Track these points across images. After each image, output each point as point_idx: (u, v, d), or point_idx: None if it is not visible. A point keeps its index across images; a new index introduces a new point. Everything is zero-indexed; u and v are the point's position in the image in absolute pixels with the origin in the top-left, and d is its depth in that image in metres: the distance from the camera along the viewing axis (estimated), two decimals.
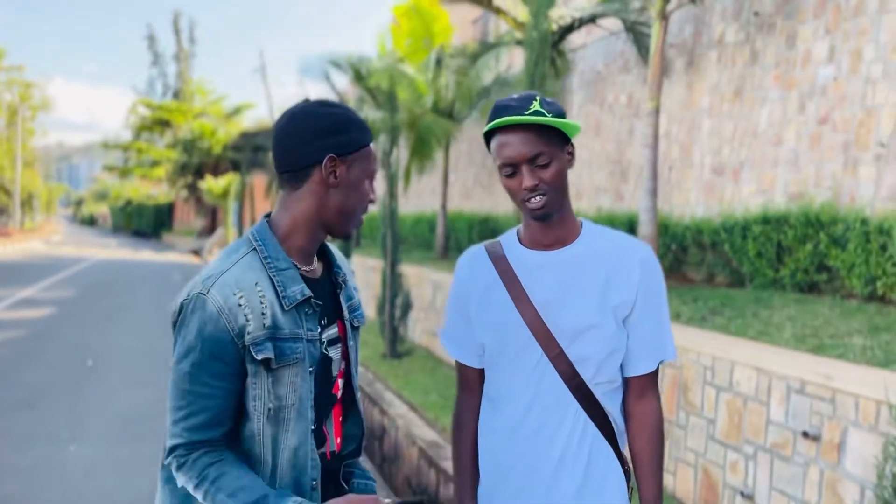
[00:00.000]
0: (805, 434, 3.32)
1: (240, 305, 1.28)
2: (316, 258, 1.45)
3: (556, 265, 1.50)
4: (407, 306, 8.59)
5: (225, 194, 30.48)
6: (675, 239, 7.38)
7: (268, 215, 1.42)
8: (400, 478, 5.89)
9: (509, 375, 1.52)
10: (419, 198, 17.17)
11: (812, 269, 5.76)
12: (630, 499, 1.55)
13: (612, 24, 9.54)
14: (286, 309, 1.32)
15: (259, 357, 1.28)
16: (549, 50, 9.56)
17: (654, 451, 1.52)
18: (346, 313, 1.47)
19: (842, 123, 6.25)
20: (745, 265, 6.42)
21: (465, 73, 10.58)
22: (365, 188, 1.38)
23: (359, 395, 1.52)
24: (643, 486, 1.52)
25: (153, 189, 56.97)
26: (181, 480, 1.30)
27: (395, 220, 8.55)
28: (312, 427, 1.36)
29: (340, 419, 1.49)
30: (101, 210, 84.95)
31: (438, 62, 11.58)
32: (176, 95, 46.82)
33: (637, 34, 8.50)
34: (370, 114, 13.85)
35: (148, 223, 51.87)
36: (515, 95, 1.49)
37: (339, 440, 1.47)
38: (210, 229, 37.51)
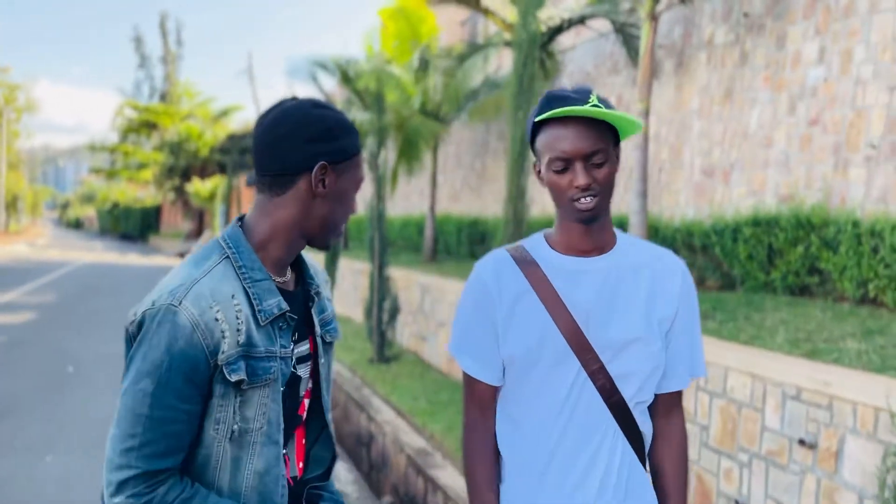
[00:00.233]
0: (801, 442, 3.24)
1: (216, 320, 1.16)
2: (289, 269, 1.34)
3: (596, 273, 1.38)
4: (395, 310, 8.47)
5: (212, 197, 30.26)
6: (664, 241, 7.32)
7: (240, 219, 1.30)
8: (387, 486, 5.77)
9: (540, 393, 1.37)
10: (407, 200, 17.05)
11: (803, 272, 5.70)
12: None
13: (602, 25, 9.48)
14: (261, 324, 1.21)
15: (233, 378, 1.16)
16: (538, 51, 9.50)
17: (683, 474, 1.43)
18: (318, 328, 1.36)
19: (832, 125, 6.21)
20: (735, 268, 6.36)
21: (452, 75, 10.49)
22: (351, 199, 1.30)
23: (330, 416, 1.41)
24: None
25: (140, 192, 56.51)
26: None
27: (382, 222, 8.44)
28: (284, 451, 1.25)
29: (304, 442, 1.37)
30: (88, 213, 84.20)
31: (425, 63, 11.48)
32: (163, 97, 46.49)
33: (626, 35, 8.44)
34: (358, 115, 13.75)
35: (135, 226, 51.43)
36: (570, 87, 1.38)
37: (300, 464, 1.36)
38: (197, 232, 37.20)
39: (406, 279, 9.62)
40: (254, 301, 1.21)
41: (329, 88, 19.09)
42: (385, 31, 12.47)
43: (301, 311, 1.32)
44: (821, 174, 6.28)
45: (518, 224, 5.10)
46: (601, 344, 1.34)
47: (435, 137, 11.78)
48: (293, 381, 1.29)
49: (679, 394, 1.46)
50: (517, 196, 4.99)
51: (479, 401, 1.44)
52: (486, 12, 9.99)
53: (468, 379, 1.44)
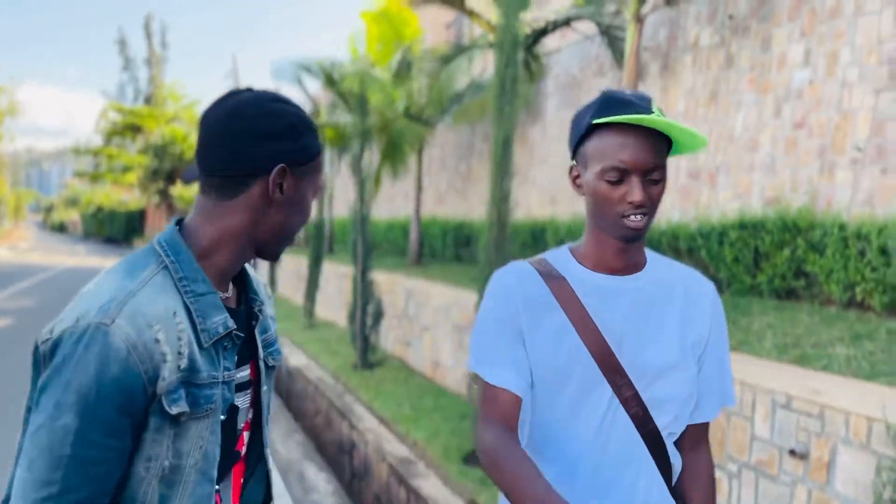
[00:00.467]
0: (792, 452, 3.15)
1: (156, 341, 0.99)
2: (230, 283, 1.17)
3: (629, 293, 1.26)
4: (379, 315, 8.35)
5: None
6: (650, 245, 7.25)
7: (178, 221, 1.14)
8: (369, 495, 5.64)
9: (569, 423, 1.23)
10: (393, 203, 16.93)
11: (790, 275, 5.65)
12: None
13: (587, 27, 9.43)
14: (204, 345, 1.05)
15: (173, 411, 1.00)
16: (522, 52, 9.43)
17: None
18: (260, 351, 1.20)
19: (818, 127, 6.17)
20: (722, 271, 6.30)
21: (436, 77, 10.39)
22: (308, 205, 1.15)
23: (268, 449, 1.26)
24: None
25: (124, 195, 55.97)
26: None
27: (366, 225, 8.32)
28: (217, 488, 1.10)
29: (241, 480, 1.20)
30: (72, 216, 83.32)
31: (407, 65, 11.39)
32: (147, 100, 46.06)
33: (612, 38, 8.38)
34: (342, 118, 13.63)
35: (119, 230, 50.90)
36: (628, 91, 1.24)
37: None
38: None
39: (390, 283, 9.50)
40: (196, 318, 1.04)
41: (315, 91, 18.95)
42: (370, 33, 12.36)
43: (244, 330, 1.15)
44: (807, 177, 6.24)
45: (502, 227, 5.00)
46: (635, 369, 1.23)
47: (420, 140, 11.67)
48: (232, 412, 1.13)
49: (707, 426, 1.35)
50: (500, 199, 4.89)
51: (503, 415, 1.19)
52: (471, 14, 9.91)
53: (489, 392, 1.22)
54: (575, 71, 10.16)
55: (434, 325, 7.97)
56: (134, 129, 43.45)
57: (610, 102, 1.22)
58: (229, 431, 1.12)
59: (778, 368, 3.64)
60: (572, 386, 1.22)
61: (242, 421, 1.16)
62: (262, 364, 1.20)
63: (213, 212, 1.10)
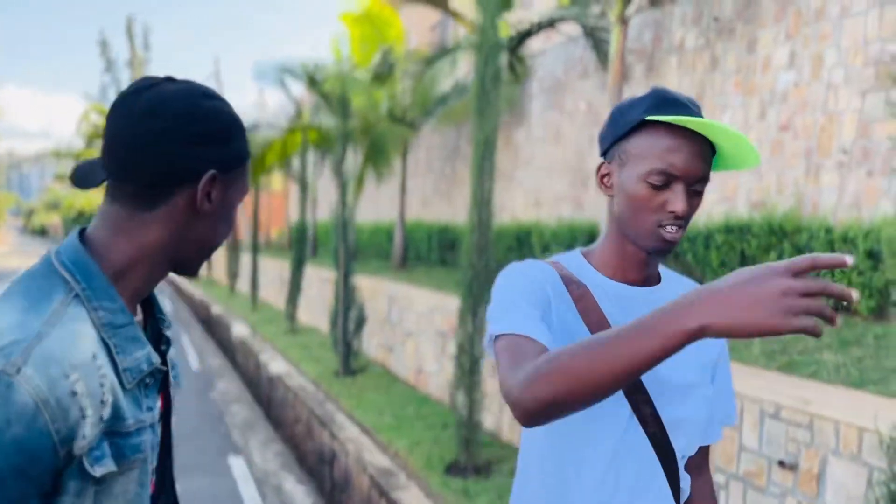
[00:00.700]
0: (781, 463, 3.06)
1: (74, 394, 0.81)
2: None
3: (651, 305, 1.14)
4: (361, 320, 8.21)
5: None
6: None
7: (80, 232, 0.95)
8: None
9: (585, 443, 1.13)
10: (377, 206, 16.79)
11: None
12: None
13: (572, 29, 9.36)
14: (128, 387, 0.89)
15: (97, 472, 0.84)
16: (505, 54, 9.34)
17: None
18: (171, 379, 1.04)
19: (803, 130, 6.12)
20: (708, 275, 6.23)
21: (420, 79, 10.28)
22: (235, 214, 1.01)
23: (178, 487, 1.10)
24: None
25: None
26: None
27: (348, 229, 8.18)
28: None
29: None
30: (53, 221, 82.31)
31: (389, 67, 11.28)
32: None
33: (596, 40, 8.32)
34: (325, 120, 13.49)
35: None
36: (676, 92, 1.12)
37: None
38: None
39: (373, 288, 9.36)
40: (117, 356, 0.88)
41: (298, 94, 18.79)
42: (352, 35, 12.24)
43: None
44: (792, 180, 6.18)
45: (484, 231, 4.88)
46: (655, 386, 1.12)
47: (404, 142, 11.56)
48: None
49: (709, 448, 1.28)
50: (482, 202, 4.77)
51: (520, 357, 0.99)
52: (455, 15, 9.81)
53: (511, 343, 1.01)
54: (559, 73, 10.09)
55: (417, 330, 7.84)
56: None
57: (664, 101, 1.10)
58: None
59: (766, 376, 3.55)
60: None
61: (154, 461, 1.00)
62: (171, 393, 1.04)
63: (127, 224, 0.92)
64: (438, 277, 9.40)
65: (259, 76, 14.36)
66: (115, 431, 0.86)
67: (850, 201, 5.66)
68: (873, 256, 4.73)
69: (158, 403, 0.99)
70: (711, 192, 7.06)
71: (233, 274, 18.93)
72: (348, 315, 8.16)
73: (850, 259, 0.67)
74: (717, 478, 3.50)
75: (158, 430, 0.98)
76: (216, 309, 15.05)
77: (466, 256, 4.98)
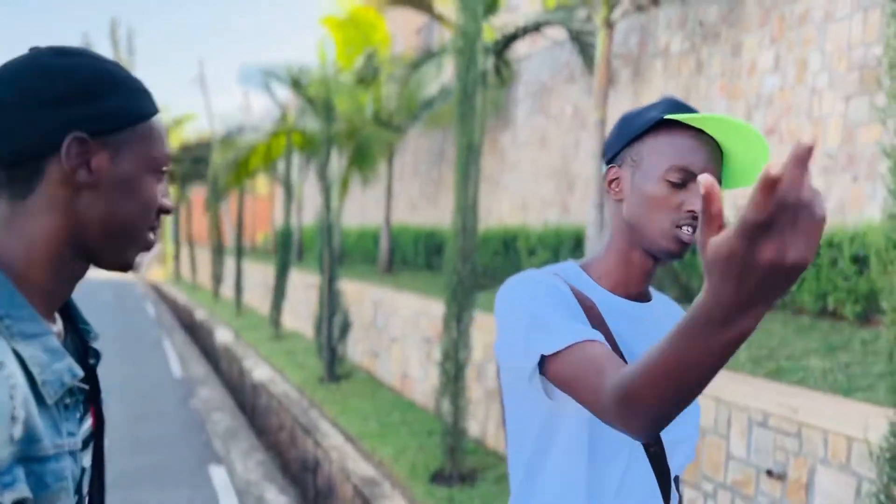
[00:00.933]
0: (769, 472, 3.01)
1: None
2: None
3: (650, 322, 1.12)
4: (346, 326, 8.13)
5: None
6: None
7: None
8: None
9: (593, 467, 1.07)
10: (364, 210, 16.70)
11: None
12: None
13: (557, 33, 9.34)
14: (49, 402, 0.77)
15: (6, 499, 0.72)
16: (490, 57, 9.30)
17: None
18: (102, 393, 0.92)
19: (788, 134, 6.12)
20: (694, 280, 6.21)
21: (405, 83, 10.23)
22: (147, 187, 0.85)
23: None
24: None
25: None
26: None
27: (332, 234, 8.09)
28: None
29: None
30: None
31: (374, 71, 11.22)
32: None
33: (582, 44, 8.30)
34: (310, 124, 13.39)
35: None
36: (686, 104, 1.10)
37: None
38: None
39: (358, 293, 9.27)
40: (31, 368, 0.76)
41: (283, 97, 18.67)
42: (336, 39, 12.17)
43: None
44: None
45: (469, 236, 4.82)
46: None
47: (390, 146, 11.49)
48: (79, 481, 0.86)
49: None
50: (467, 207, 4.71)
51: (602, 366, 0.90)
52: (440, 19, 9.77)
53: (580, 353, 0.93)
54: (545, 77, 10.07)
55: (402, 336, 7.77)
56: None
57: (678, 105, 1.08)
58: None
59: (753, 384, 3.51)
60: (596, 422, 1.04)
61: (86, 487, 0.88)
62: (104, 410, 0.92)
63: (10, 218, 0.81)
64: (425, 282, 9.33)
65: (244, 80, 14.26)
66: (31, 456, 0.74)
67: (835, 206, 5.66)
68: (859, 261, 4.71)
69: (87, 424, 0.87)
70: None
71: (217, 278, 18.75)
72: (333, 320, 8.07)
73: (806, 146, 0.56)
74: (705, 486, 3.45)
75: (82, 458, 0.85)
76: (200, 314, 14.88)
77: (451, 262, 4.91)
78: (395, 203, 14.28)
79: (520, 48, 10.31)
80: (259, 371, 8.60)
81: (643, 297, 1.12)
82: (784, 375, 3.65)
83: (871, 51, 5.39)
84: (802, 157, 0.55)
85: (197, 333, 14.48)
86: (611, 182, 1.11)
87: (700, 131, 1.05)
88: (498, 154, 10.99)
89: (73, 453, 0.81)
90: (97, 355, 0.91)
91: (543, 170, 9.92)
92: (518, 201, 10.44)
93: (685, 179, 1.04)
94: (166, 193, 0.89)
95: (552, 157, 9.75)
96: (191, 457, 6.52)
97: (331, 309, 8.08)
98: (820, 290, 4.96)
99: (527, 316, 1.01)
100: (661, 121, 1.07)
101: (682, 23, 7.49)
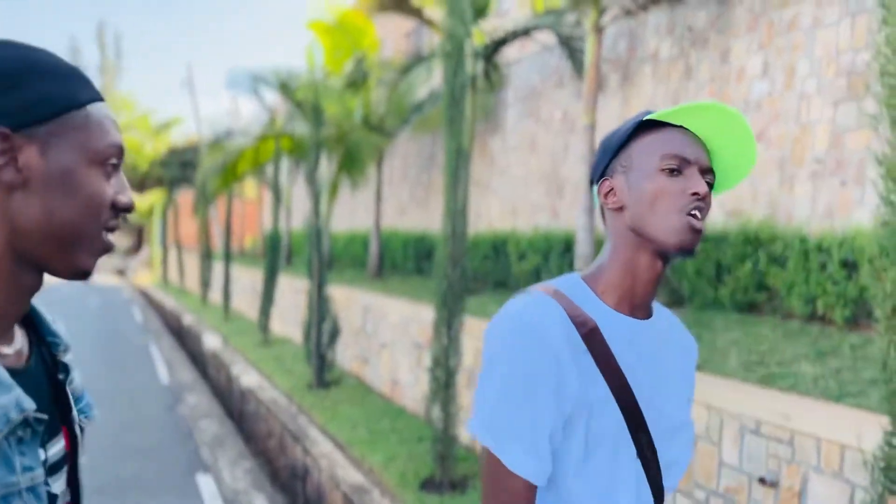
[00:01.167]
0: (762, 480, 3.00)
1: None
2: (15, 326, 0.80)
3: (652, 340, 1.07)
4: (335, 332, 8.06)
5: (150, 212, 29.16)
6: None
7: None
8: None
9: (605, 487, 1.02)
10: (353, 215, 16.64)
11: (752, 289, 5.57)
12: None
13: (547, 38, 9.35)
14: None
15: None
16: (479, 61, 9.29)
17: None
18: (74, 413, 0.85)
19: (777, 139, 6.14)
20: (684, 284, 6.21)
21: (395, 87, 10.20)
22: (90, 182, 0.76)
23: None
24: None
25: None
26: None
27: (321, 239, 8.04)
28: None
29: None
30: None
31: (363, 75, 11.18)
32: None
33: (572, 49, 8.31)
34: (299, 128, 13.33)
35: None
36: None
37: None
38: (135, 248, 35.86)
39: (347, 298, 9.21)
40: None
41: (272, 101, 18.59)
42: (325, 43, 12.13)
43: (45, 393, 0.80)
44: (767, 189, 6.19)
45: (459, 242, 4.79)
46: (657, 429, 1.05)
47: (379, 150, 11.45)
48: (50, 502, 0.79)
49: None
50: (456, 212, 4.68)
51: None
52: (430, 23, 9.75)
53: (500, 477, 0.98)
54: (535, 82, 10.07)
55: (392, 342, 7.72)
56: None
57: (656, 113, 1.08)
58: None
59: (746, 391, 3.50)
60: (603, 450, 1.01)
61: None
62: (76, 428, 0.85)
63: None
64: (415, 286, 9.29)
65: (232, 85, 14.18)
66: None
67: (823, 211, 5.68)
68: (848, 266, 4.73)
69: (58, 447, 0.81)
70: None
71: (205, 283, 18.61)
72: (322, 326, 8.01)
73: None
74: (698, 494, 3.43)
75: (52, 485, 0.79)
76: (187, 319, 14.76)
77: (441, 267, 4.88)
78: (385, 207, 14.24)
79: (509, 53, 10.31)
80: (247, 377, 8.52)
81: (646, 313, 1.09)
82: (775, 381, 3.64)
83: (859, 56, 5.42)
84: None
85: (184, 339, 14.35)
86: (606, 195, 1.08)
87: (685, 128, 1.04)
88: (488, 158, 10.97)
89: (32, 488, 0.74)
90: (67, 370, 0.85)
91: (533, 174, 9.91)
92: (508, 206, 10.43)
93: (680, 166, 1.02)
94: (122, 188, 0.79)
95: (542, 162, 9.75)
96: (178, 465, 6.44)
97: (320, 314, 8.02)
98: (809, 294, 4.96)
99: (495, 389, 0.98)
100: (644, 124, 1.05)
101: (670, 28, 7.51)
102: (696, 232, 1.00)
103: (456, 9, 4.40)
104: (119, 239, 40.10)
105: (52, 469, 0.80)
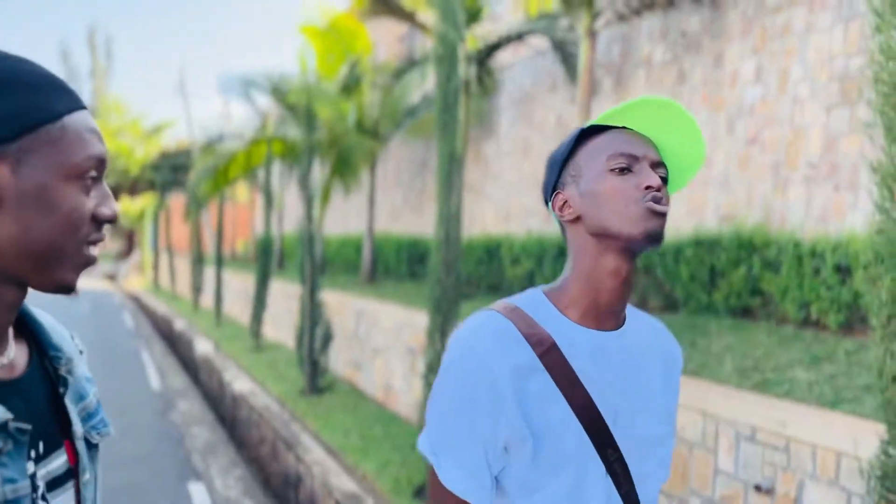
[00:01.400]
0: (757, 487, 2.98)
1: None
2: (11, 338, 0.78)
3: (620, 353, 1.03)
4: (327, 337, 8.02)
5: (141, 216, 29.01)
6: None
7: None
8: None
9: None
10: (346, 219, 16.59)
11: (745, 293, 5.57)
12: None
13: (540, 42, 9.35)
14: None
15: None
16: (471, 66, 9.28)
17: None
18: (77, 426, 0.83)
19: (771, 144, 6.14)
20: (678, 289, 6.20)
21: (388, 91, 10.17)
22: (67, 198, 0.73)
23: None
24: None
25: None
26: None
27: (313, 244, 7.99)
28: None
29: None
30: None
31: (356, 79, 11.16)
32: (92, 113, 44.70)
33: (565, 53, 8.32)
34: (292, 132, 13.29)
35: None
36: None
37: None
38: (126, 252, 35.67)
39: (340, 304, 9.17)
40: None
41: (264, 105, 18.54)
42: (317, 47, 12.09)
43: (43, 406, 0.78)
44: (761, 193, 6.20)
45: (452, 247, 4.77)
46: (628, 444, 1.02)
47: (372, 155, 11.42)
48: None
49: None
50: (449, 217, 4.66)
51: None
52: (423, 27, 9.74)
53: (438, 488, 0.99)
54: (528, 86, 10.07)
55: (386, 347, 7.68)
56: None
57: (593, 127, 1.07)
58: None
59: (741, 398, 3.48)
60: (568, 473, 0.98)
61: None
62: (81, 444, 0.83)
63: None
64: (408, 291, 9.25)
65: (224, 89, 14.13)
66: None
67: (817, 215, 5.68)
68: (841, 270, 4.73)
69: (59, 461, 0.79)
70: (680, 205, 7.05)
71: (197, 288, 18.51)
72: (315, 331, 7.96)
73: None
74: (693, 501, 3.41)
75: (51, 500, 0.77)
76: (179, 325, 14.66)
77: (434, 273, 4.85)
78: (378, 212, 14.20)
79: (502, 57, 10.31)
80: (239, 383, 8.46)
81: (616, 323, 1.04)
82: (770, 388, 3.63)
83: (852, 61, 5.43)
84: None
85: (176, 344, 14.26)
86: (560, 207, 1.05)
87: (629, 129, 1.03)
88: (481, 163, 10.96)
89: (16, 501, 0.72)
90: (66, 384, 0.83)
91: (527, 179, 9.90)
92: (501, 210, 10.41)
93: (629, 163, 0.99)
94: (104, 200, 0.77)
95: (535, 167, 9.74)
96: (169, 473, 6.38)
97: (312, 319, 7.97)
98: (803, 299, 4.96)
99: (440, 415, 0.99)
100: (587, 133, 1.04)
101: (664, 33, 7.52)
102: (661, 216, 0.97)
103: (448, 13, 4.38)
104: (110, 243, 39.90)
105: (52, 484, 0.78)
